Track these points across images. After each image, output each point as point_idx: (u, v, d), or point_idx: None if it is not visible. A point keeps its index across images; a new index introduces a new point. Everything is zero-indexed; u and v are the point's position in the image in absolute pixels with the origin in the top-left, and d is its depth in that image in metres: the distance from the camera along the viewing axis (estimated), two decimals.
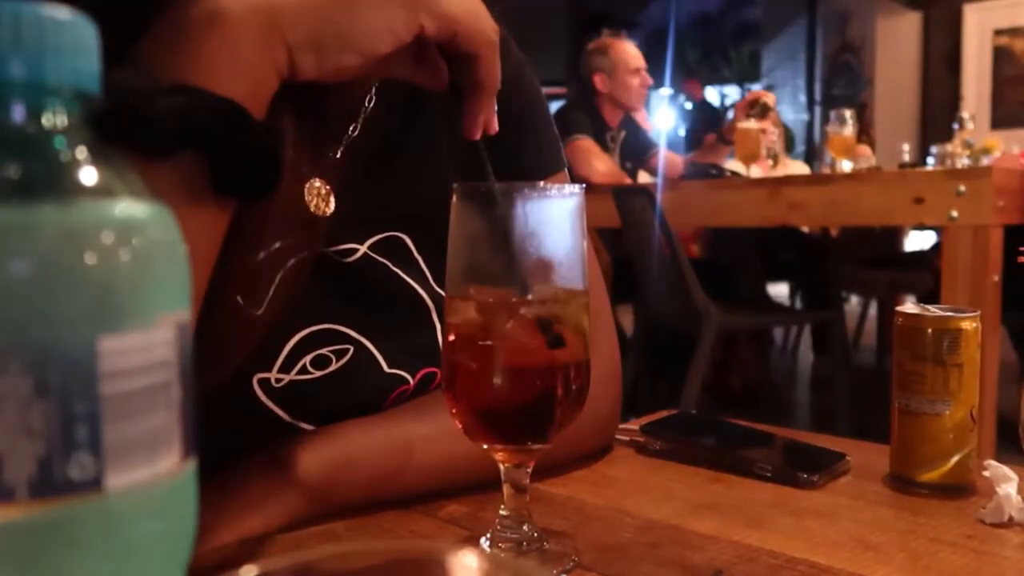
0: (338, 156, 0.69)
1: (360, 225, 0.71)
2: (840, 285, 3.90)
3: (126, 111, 0.48)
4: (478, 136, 0.61)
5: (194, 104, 0.50)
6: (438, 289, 0.73)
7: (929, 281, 3.88)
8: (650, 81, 3.87)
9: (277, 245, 0.63)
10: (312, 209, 0.66)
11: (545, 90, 0.84)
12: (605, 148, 3.71)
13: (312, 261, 0.66)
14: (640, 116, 4.25)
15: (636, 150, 3.88)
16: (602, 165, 3.57)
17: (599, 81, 3.75)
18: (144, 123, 0.48)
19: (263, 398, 0.64)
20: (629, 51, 3.81)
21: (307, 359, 0.66)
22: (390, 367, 0.70)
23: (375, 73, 0.64)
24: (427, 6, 0.56)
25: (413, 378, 0.70)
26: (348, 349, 0.68)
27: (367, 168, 0.72)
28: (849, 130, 3.28)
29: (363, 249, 0.71)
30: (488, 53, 0.58)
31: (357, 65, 0.56)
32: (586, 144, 3.59)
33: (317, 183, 0.67)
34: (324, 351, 0.67)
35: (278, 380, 0.65)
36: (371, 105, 0.71)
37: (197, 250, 0.53)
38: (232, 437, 0.62)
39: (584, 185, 0.58)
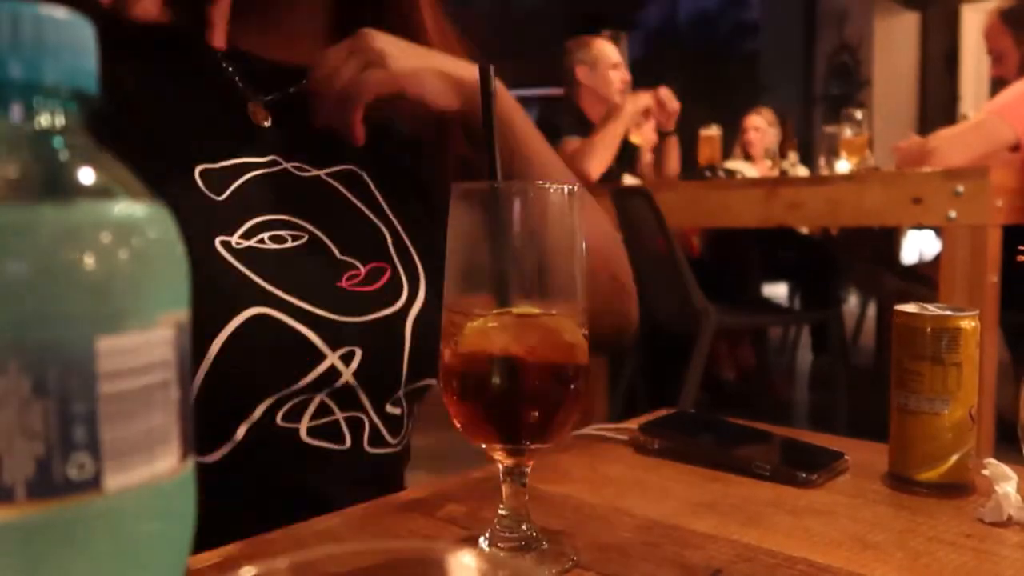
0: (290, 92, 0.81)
1: (316, 158, 0.81)
2: (845, 285, 3.90)
3: None
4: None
5: None
6: (394, 221, 0.82)
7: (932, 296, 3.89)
8: (628, 78, 3.91)
9: (235, 161, 0.75)
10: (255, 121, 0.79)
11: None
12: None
13: (271, 174, 0.77)
14: (665, 93, 4.22)
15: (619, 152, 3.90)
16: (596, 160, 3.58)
17: (581, 73, 3.79)
18: None
19: (223, 252, 0.70)
20: (608, 48, 3.88)
21: (265, 235, 0.73)
22: (341, 255, 0.77)
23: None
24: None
25: (363, 267, 0.77)
26: (303, 235, 0.75)
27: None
28: (859, 131, 3.27)
29: (317, 172, 0.80)
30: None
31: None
32: (577, 144, 3.60)
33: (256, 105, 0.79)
34: (281, 232, 0.74)
35: (238, 243, 0.71)
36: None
37: None
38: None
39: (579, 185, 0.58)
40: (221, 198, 0.72)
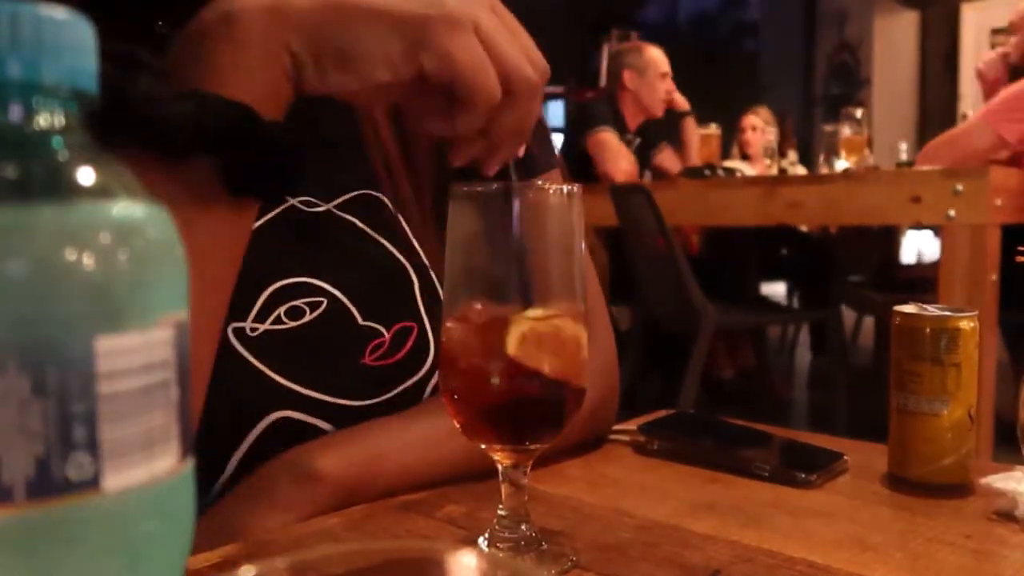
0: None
1: (328, 183, 0.72)
2: (839, 295, 3.90)
3: (136, 116, 0.48)
4: (456, 164, 0.59)
5: (203, 108, 0.50)
6: (419, 249, 0.75)
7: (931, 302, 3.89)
8: (674, 89, 3.89)
9: None
10: None
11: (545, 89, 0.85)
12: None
13: (279, 217, 0.68)
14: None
15: (644, 159, 3.90)
16: (626, 163, 3.57)
17: (628, 77, 3.77)
18: (154, 128, 0.49)
19: (238, 347, 0.64)
20: (659, 56, 3.85)
21: (281, 310, 0.67)
22: (364, 319, 0.70)
23: (380, 101, 0.63)
24: (431, 42, 0.52)
25: (388, 331, 0.70)
26: (322, 302, 0.68)
27: (331, 123, 0.74)
28: (856, 129, 3.27)
29: (327, 206, 0.72)
30: (483, 109, 0.54)
31: (357, 89, 0.54)
32: (610, 138, 3.60)
33: None
34: (298, 303, 0.67)
35: (253, 329, 0.65)
36: None
37: (217, 250, 0.53)
38: (208, 405, 0.60)
39: (579, 185, 0.58)
40: None
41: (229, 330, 0.64)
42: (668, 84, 3.85)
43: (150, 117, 0.48)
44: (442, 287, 0.70)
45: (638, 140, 3.84)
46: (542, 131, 0.82)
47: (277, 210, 0.69)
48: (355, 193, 0.74)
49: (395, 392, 0.70)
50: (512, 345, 0.54)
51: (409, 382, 0.71)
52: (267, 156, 0.53)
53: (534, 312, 0.54)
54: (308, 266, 0.69)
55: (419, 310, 0.73)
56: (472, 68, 0.53)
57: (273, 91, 0.53)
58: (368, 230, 0.73)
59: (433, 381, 0.72)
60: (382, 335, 0.70)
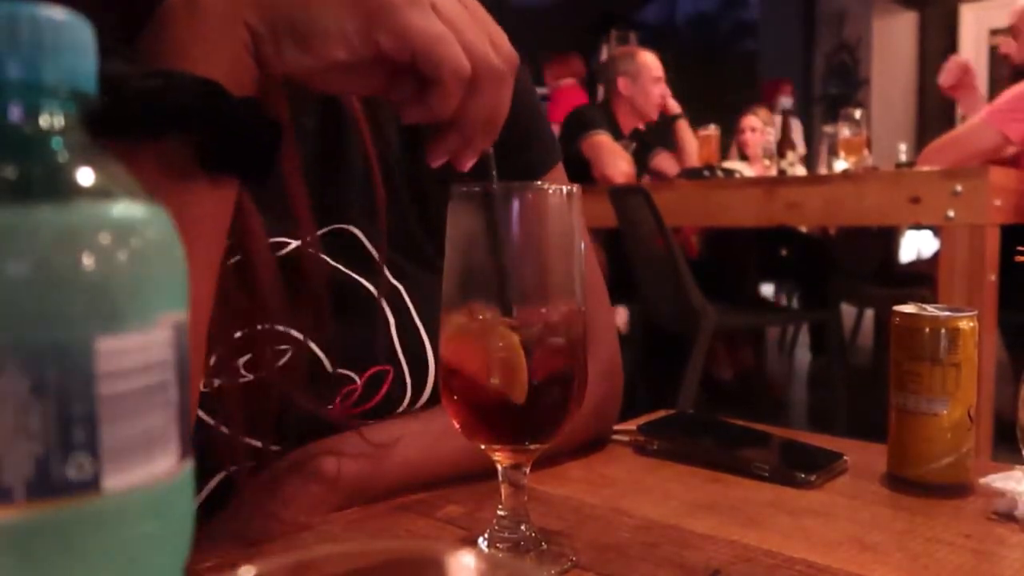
0: None
1: (294, 220, 0.65)
2: (838, 294, 3.91)
3: (104, 99, 0.48)
4: (434, 164, 0.57)
5: (170, 85, 0.49)
6: (395, 282, 0.72)
7: (928, 297, 3.90)
8: (668, 93, 3.90)
9: None
10: None
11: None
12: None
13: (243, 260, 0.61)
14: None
15: (641, 163, 3.90)
16: (625, 165, 3.57)
17: (623, 84, 3.79)
18: (122, 109, 0.48)
19: (199, 412, 0.59)
20: (652, 60, 3.88)
21: (240, 362, 0.62)
22: (335, 367, 0.67)
23: (351, 89, 0.60)
24: (385, 18, 0.50)
25: (360, 378, 0.68)
26: (286, 350, 0.64)
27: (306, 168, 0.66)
28: (855, 130, 3.27)
29: (294, 244, 0.67)
30: (452, 84, 0.52)
31: (314, 67, 0.52)
32: (606, 140, 3.60)
33: None
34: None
35: (207, 386, 0.59)
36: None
37: (200, 231, 0.53)
38: None
39: (578, 185, 0.58)
40: None
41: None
42: (662, 88, 3.87)
43: (118, 98, 0.47)
44: (421, 315, 0.71)
45: (634, 145, 3.85)
46: (547, 125, 0.82)
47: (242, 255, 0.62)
48: (328, 229, 0.71)
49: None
50: (512, 346, 0.54)
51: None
52: (239, 131, 0.51)
53: (532, 312, 0.54)
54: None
55: (396, 352, 0.70)
56: (430, 40, 0.50)
57: (237, 67, 0.52)
58: (341, 268, 0.70)
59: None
60: (354, 382, 0.68)
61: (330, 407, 0.67)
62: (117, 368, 0.24)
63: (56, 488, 0.23)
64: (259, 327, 0.62)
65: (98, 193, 0.25)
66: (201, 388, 0.58)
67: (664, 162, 3.92)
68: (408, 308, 0.72)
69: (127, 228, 0.25)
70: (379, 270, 0.71)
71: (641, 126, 3.94)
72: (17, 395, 0.22)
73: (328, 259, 0.69)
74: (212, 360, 0.59)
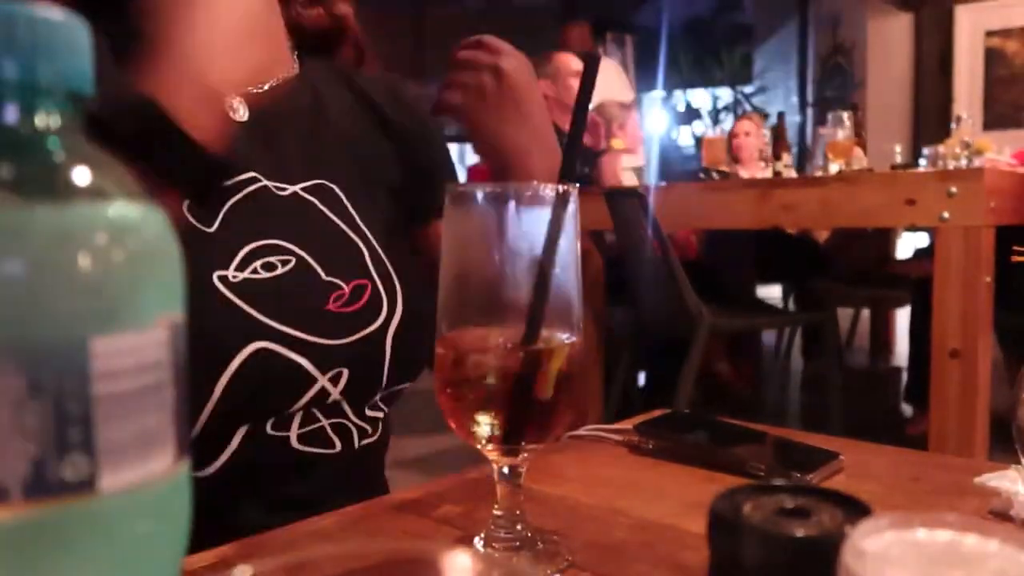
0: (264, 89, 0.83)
1: (290, 172, 0.84)
2: (833, 296, 3.92)
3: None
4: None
5: (105, 107, 0.56)
6: (368, 233, 0.85)
7: (906, 298, 3.92)
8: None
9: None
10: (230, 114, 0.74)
11: None
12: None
13: (254, 194, 0.80)
14: (631, 120, 4.30)
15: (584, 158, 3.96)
16: None
17: (545, 86, 3.85)
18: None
19: (222, 289, 0.73)
20: (569, 58, 4.01)
21: (257, 263, 0.77)
22: (327, 275, 0.80)
23: None
24: None
25: (347, 285, 0.80)
26: (291, 259, 0.79)
27: (295, 125, 0.87)
28: (846, 132, 3.29)
29: (293, 188, 0.83)
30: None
31: None
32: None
33: (232, 100, 0.75)
34: (271, 259, 0.78)
35: (234, 276, 0.74)
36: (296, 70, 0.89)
37: None
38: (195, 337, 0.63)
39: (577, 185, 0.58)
40: (211, 230, 0.76)
41: (214, 276, 0.73)
42: None
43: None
44: (383, 247, 0.86)
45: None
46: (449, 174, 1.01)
47: (254, 187, 0.80)
48: (315, 182, 0.85)
49: (356, 337, 0.79)
50: (507, 346, 0.54)
51: (369, 329, 0.80)
52: (177, 150, 0.60)
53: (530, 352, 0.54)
54: (279, 232, 0.79)
55: (371, 272, 0.83)
56: None
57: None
58: (326, 211, 0.84)
59: (391, 331, 0.81)
60: (342, 288, 0.80)
61: (326, 305, 0.79)
62: (113, 368, 0.24)
63: (52, 488, 0.23)
64: (268, 241, 0.78)
65: (94, 193, 0.25)
66: (230, 279, 0.74)
67: (607, 166, 3.99)
68: (373, 244, 0.85)
69: (123, 228, 0.25)
70: (352, 219, 0.86)
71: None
72: (13, 395, 0.22)
73: (316, 202, 0.84)
74: (238, 259, 0.75)
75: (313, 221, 0.83)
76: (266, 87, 0.83)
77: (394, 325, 0.82)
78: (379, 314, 0.82)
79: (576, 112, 0.61)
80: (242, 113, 0.79)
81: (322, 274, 0.80)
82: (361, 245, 0.84)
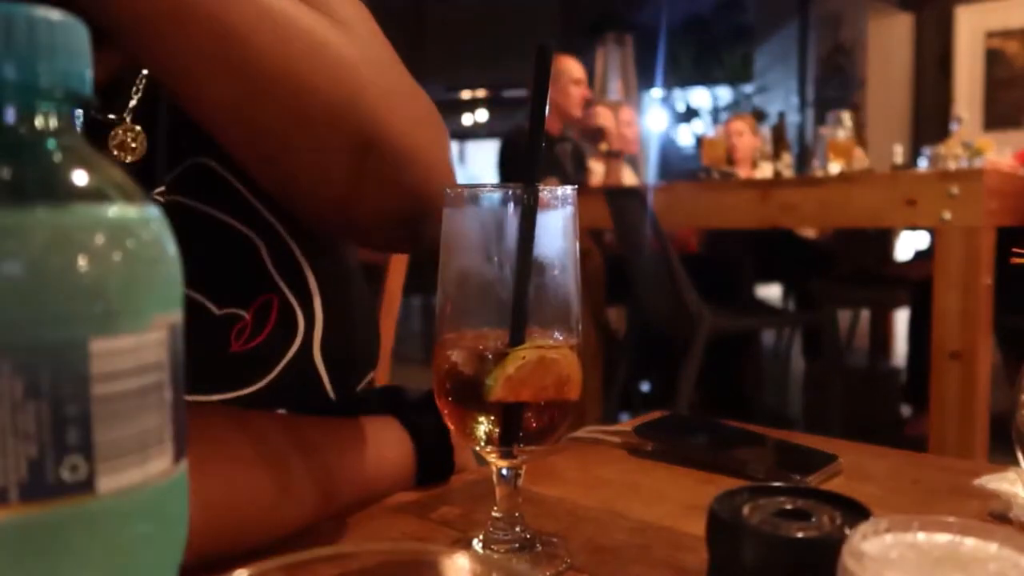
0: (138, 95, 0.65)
1: (150, 168, 0.65)
2: (833, 296, 3.92)
3: None
4: None
5: None
6: (262, 208, 0.67)
7: (906, 299, 3.92)
8: (588, 93, 4.12)
9: None
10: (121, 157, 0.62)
11: None
12: (553, 159, 3.80)
13: None
14: (627, 116, 4.32)
15: (576, 163, 3.98)
16: None
17: None
18: None
19: None
20: (571, 64, 4.03)
21: None
22: (220, 309, 0.65)
23: None
24: None
25: (248, 311, 0.65)
26: None
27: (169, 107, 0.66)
28: (847, 132, 3.29)
29: (151, 194, 0.64)
30: None
31: None
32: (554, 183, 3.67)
33: (121, 130, 0.63)
34: None
35: None
36: None
37: None
38: None
39: (575, 187, 0.58)
40: None
41: None
42: (582, 90, 4.02)
43: None
44: (290, 233, 0.68)
45: (568, 146, 3.96)
46: None
47: None
48: (183, 167, 0.66)
49: (278, 369, 0.66)
50: (506, 348, 0.54)
51: (289, 354, 0.67)
52: None
53: (530, 336, 0.54)
54: None
55: (274, 278, 0.67)
56: None
57: None
58: (201, 206, 0.66)
59: (317, 346, 0.68)
60: (242, 318, 0.65)
61: (229, 348, 0.64)
62: (111, 369, 0.24)
63: (50, 490, 0.23)
64: None
65: (92, 194, 0.25)
66: None
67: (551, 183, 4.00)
68: (275, 227, 0.68)
69: (121, 229, 0.25)
70: (242, 198, 0.67)
71: (574, 133, 4.07)
72: (11, 396, 0.22)
73: (186, 200, 0.66)
74: None
75: (189, 232, 0.59)
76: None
77: (318, 338, 0.68)
78: (295, 331, 0.67)
79: (533, 104, 0.55)
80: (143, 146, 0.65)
81: (215, 310, 0.64)
82: (255, 238, 0.67)
